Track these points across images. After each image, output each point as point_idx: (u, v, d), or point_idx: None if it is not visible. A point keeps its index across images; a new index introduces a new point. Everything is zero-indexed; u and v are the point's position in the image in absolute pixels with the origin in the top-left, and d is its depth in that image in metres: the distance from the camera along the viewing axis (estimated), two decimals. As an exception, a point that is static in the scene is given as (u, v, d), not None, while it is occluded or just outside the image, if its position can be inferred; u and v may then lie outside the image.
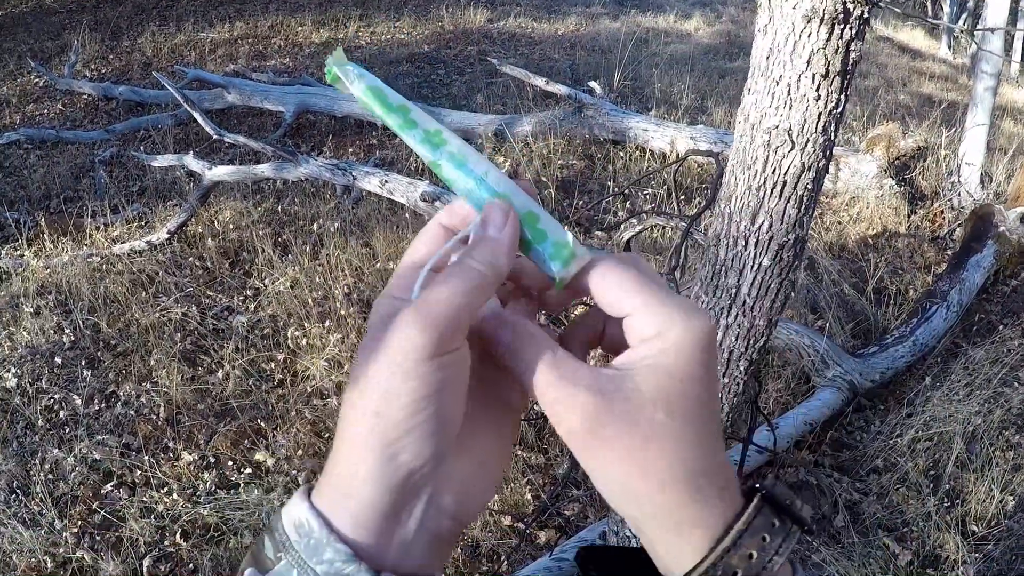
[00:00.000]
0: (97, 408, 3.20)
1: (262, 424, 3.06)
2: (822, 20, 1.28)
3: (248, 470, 2.87)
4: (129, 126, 6.19)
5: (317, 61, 8.00)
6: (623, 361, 0.43)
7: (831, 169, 5.12)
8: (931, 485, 2.88)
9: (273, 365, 3.40)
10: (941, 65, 11.22)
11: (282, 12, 9.56)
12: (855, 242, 4.68)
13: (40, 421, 3.09)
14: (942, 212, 5.21)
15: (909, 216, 5.07)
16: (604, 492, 0.44)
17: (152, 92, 6.77)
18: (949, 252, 4.66)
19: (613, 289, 0.44)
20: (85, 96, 6.95)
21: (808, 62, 1.31)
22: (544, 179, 4.97)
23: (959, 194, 5.28)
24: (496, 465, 0.48)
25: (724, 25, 10.83)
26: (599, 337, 0.48)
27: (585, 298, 0.47)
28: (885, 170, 5.12)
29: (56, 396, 3.23)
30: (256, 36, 8.74)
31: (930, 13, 15.58)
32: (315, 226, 4.32)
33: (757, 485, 0.45)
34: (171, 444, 3.01)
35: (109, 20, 9.24)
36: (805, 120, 1.33)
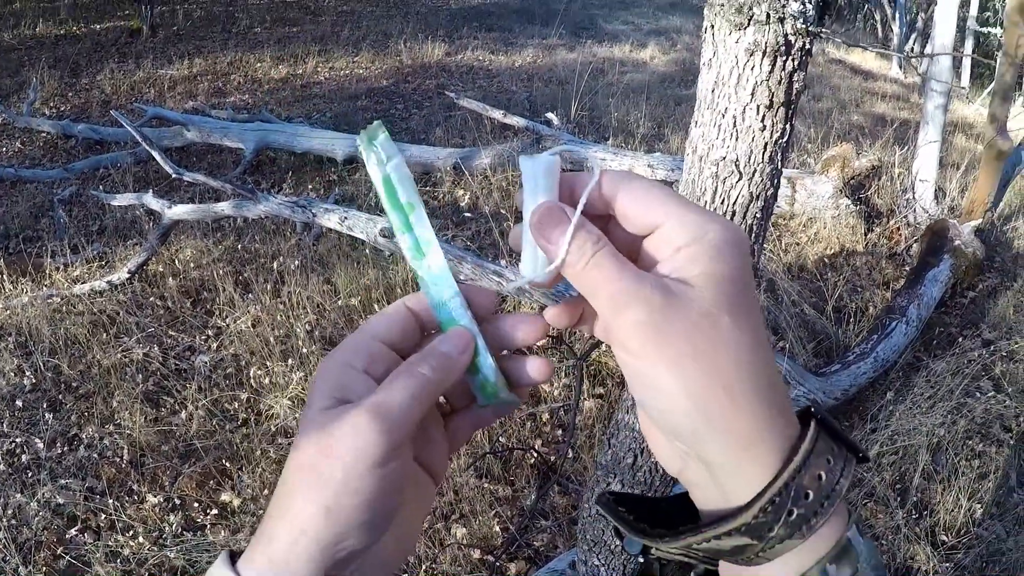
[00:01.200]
0: (60, 451, 3.13)
1: (227, 464, 3.02)
2: (764, 53, 1.32)
3: (214, 511, 2.84)
4: (88, 164, 6.11)
5: (276, 97, 7.98)
6: (668, 269, 0.42)
7: (788, 191, 5.21)
8: (899, 498, 2.92)
9: (237, 405, 3.36)
10: (893, 85, 11.47)
11: (241, 49, 9.55)
12: (813, 262, 4.75)
13: (1, 465, 3.03)
14: (898, 229, 5.31)
15: (866, 234, 5.16)
16: (663, 405, 0.41)
17: (111, 130, 6.69)
18: (907, 268, 4.74)
19: (641, 202, 0.43)
20: (44, 134, 6.87)
21: (752, 94, 1.34)
22: (504, 211, 4.99)
23: (914, 210, 5.39)
24: (413, 533, 0.51)
25: (679, 53, 10.99)
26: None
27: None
28: (841, 190, 5.21)
29: (18, 440, 3.16)
30: (215, 73, 8.71)
31: (880, 34, 15.97)
32: (276, 264, 4.30)
33: (811, 409, 0.43)
34: (135, 487, 2.96)
35: (68, 57, 9.16)
36: (752, 151, 1.36)
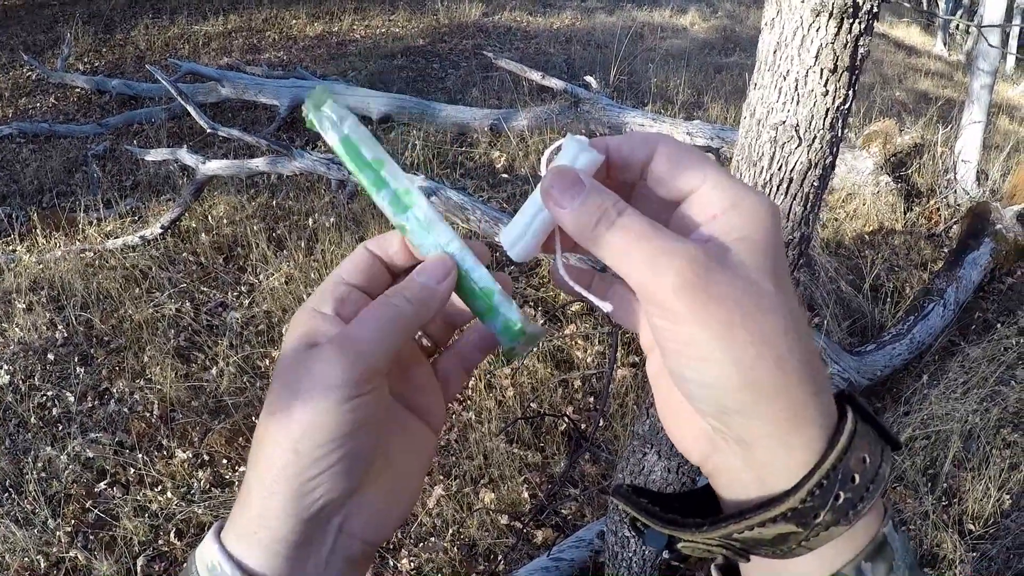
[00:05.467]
0: (90, 405, 3.17)
1: (257, 421, 3.03)
2: (831, 14, 1.26)
3: (243, 468, 2.85)
4: (122, 120, 6.13)
5: (311, 55, 7.94)
6: (707, 234, 0.39)
7: (828, 166, 5.12)
8: (929, 484, 2.88)
9: (268, 362, 3.37)
10: (937, 62, 11.24)
11: (276, 5, 9.50)
12: (852, 239, 4.67)
13: (33, 419, 3.06)
14: (938, 209, 5.21)
15: (905, 213, 5.07)
16: (709, 376, 0.37)
17: (145, 85, 6.69)
18: (945, 250, 4.66)
19: (677, 164, 0.41)
20: (78, 89, 6.89)
21: (816, 57, 1.29)
22: (541, 174, 4.94)
23: (955, 191, 5.29)
24: (410, 488, 0.48)
25: (720, 20, 10.81)
26: None
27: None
28: (881, 167, 5.11)
29: (49, 393, 3.20)
30: (250, 29, 8.67)
31: (924, 9, 15.63)
32: (310, 221, 4.29)
33: (845, 392, 0.41)
34: (165, 442, 2.98)
35: (102, 13, 9.16)
36: (813, 116, 1.31)
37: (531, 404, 3.15)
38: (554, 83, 5.90)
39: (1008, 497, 2.84)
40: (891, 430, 0.41)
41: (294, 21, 8.97)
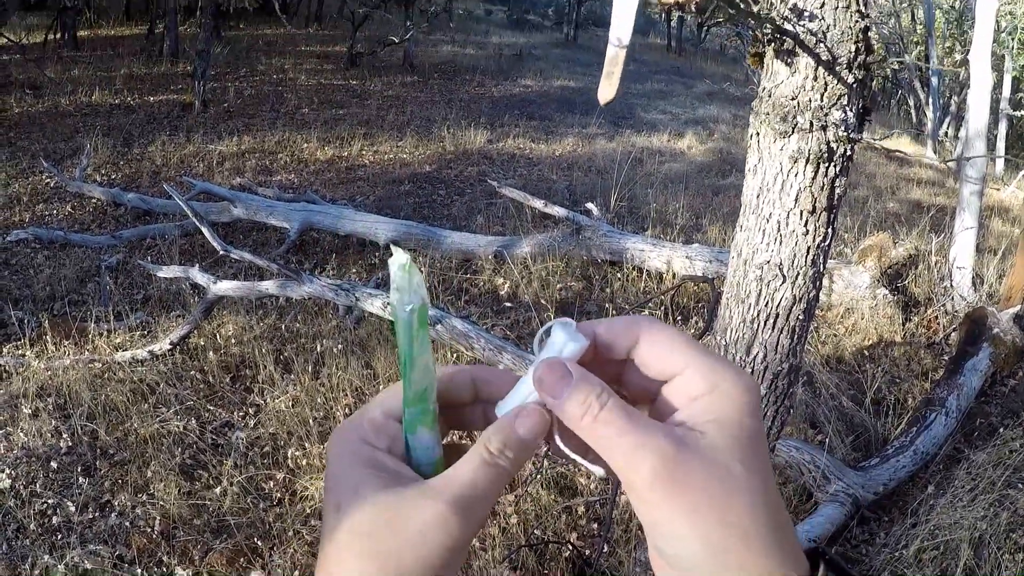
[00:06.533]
0: (91, 516, 3.14)
1: (259, 543, 3.02)
2: (808, 160, 1.36)
3: (243, 589, 2.83)
4: (136, 234, 6.22)
5: (321, 178, 8.13)
6: (683, 418, 0.44)
7: (825, 282, 5.20)
8: (941, 595, 2.84)
9: (272, 484, 3.36)
10: (928, 170, 11.49)
11: (288, 128, 9.78)
12: (851, 354, 4.71)
13: (32, 525, 3.03)
14: (936, 318, 5.27)
15: (904, 324, 5.12)
16: (678, 552, 0.42)
17: (160, 201, 6.80)
18: (945, 357, 4.69)
19: (661, 350, 0.45)
20: (94, 200, 6.98)
21: (796, 199, 1.37)
22: (543, 301, 5.02)
23: (952, 298, 5.35)
24: None
25: (716, 143, 11.10)
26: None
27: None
28: (878, 280, 5.19)
29: (50, 501, 3.17)
30: (263, 151, 8.90)
31: (914, 119, 16.08)
32: (317, 345, 4.31)
33: (819, 549, 0.45)
34: (165, 558, 2.96)
35: (121, 127, 9.41)
36: (795, 255, 1.39)
37: (535, 531, 3.12)
38: (556, 211, 6.03)
39: (1023, 601, 2.80)
40: None
41: (305, 145, 9.20)
